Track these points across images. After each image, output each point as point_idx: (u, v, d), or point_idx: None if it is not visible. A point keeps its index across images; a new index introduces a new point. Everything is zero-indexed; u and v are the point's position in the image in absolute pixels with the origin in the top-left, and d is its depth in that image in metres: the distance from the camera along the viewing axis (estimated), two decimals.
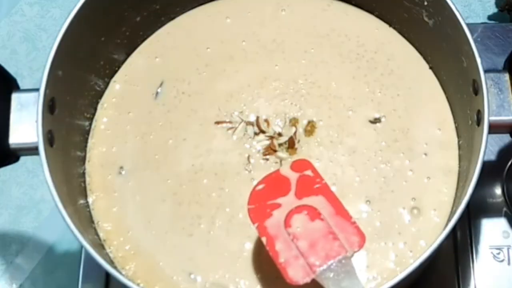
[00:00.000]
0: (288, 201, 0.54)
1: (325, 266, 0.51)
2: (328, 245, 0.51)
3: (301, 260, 0.51)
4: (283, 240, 0.52)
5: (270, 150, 0.64)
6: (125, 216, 0.63)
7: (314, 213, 0.53)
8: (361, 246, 0.52)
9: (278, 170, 0.57)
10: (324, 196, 0.54)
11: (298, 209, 0.54)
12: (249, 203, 0.55)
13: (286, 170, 0.56)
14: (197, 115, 0.67)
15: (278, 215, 0.54)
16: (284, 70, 0.68)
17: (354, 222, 0.53)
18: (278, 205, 0.54)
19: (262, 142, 0.64)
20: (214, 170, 0.64)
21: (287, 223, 0.53)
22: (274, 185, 0.56)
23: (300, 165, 0.57)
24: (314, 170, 0.56)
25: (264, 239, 0.53)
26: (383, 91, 0.67)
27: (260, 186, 0.56)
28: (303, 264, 0.51)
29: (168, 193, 0.64)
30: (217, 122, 0.66)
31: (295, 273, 0.51)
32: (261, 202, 0.55)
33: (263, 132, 0.65)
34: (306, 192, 0.55)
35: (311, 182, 0.55)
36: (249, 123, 0.65)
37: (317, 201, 0.54)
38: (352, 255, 0.52)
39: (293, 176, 0.56)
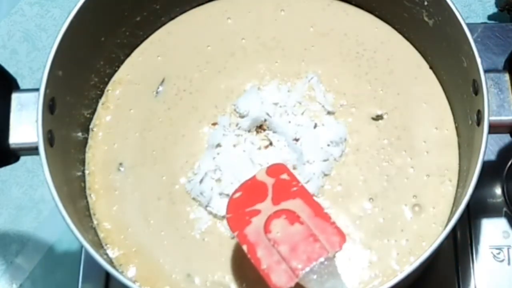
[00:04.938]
0: (266, 207, 0.54)
1: (307, 269, 0.50)
2: (309, 247, 0.51)
3: (283, 265, 0.51)
4: (264, 247, 0.52)
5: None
6: (125, 213, 0.63)
7: (293, 217, 0.53)
8: (341, 246, 0.52)
9: (254, 176, 0.56)
10: (302, 199, 0.54)
11: (276, 214, 0.53)
12: (227, 212, 0.55)
13: (261, 175, 0.56)
14: (197, 112, 0.67)
15: (257, 222, 0.53)
16: (284, 67, 0.68)
17: (334, 223, 0.53)
18: (257, 212, 0.54)
19: (263, 141, 0.64)
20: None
21: (266, 229, 0.53)
22: (251, 191, 0.55)
23: (276, 170, 0.56)
24: (289, 173, 0.56)
25: (245, 247, 0.53)
26: (385, 89, 0.67)
27: (237, 194, 0.55)
28: (286, 269, 0.51)
29: (163, 191, 0.64)
30: (214, 124, 0.66)
31: (279, 278, 0.50)
32: (239, 210, 0.54)
33: (264, 130, 0.65)
34: (283, 196, 0.55)
35: (287, 186, 0.55)
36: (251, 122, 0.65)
37: (295, 204, 0.54)
38: (334, 256, 0.52)
39: (269, 181, 0.55)
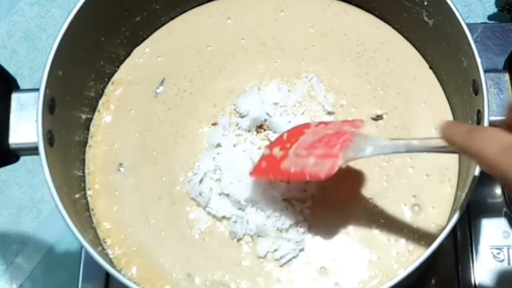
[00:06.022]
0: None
1: (345, 149, 0.54)
2: (339, 139, 0.55)
3: (323, 159, 0.54)
4: (298, 162, 0.56)
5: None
6: (125, 213, 0.63)
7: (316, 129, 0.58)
8: (363, 124, 0.56)
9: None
10: (310, 128, 0.58)
11: (297, 134, 0.59)
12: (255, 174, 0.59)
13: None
14: (197, 112, 0.67)
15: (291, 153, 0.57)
16: (284, 67, 0.68)
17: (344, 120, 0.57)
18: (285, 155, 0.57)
19: (263, 141, 0.64)
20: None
21: (298, 150, 0.57)
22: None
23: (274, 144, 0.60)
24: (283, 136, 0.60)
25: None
26: (385, 89, 0.67)
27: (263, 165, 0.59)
28: (327, 160, 0.54)
29: (163, 191, 0.64)
30: (214, 124, 0.66)
31: (322, 168, 0.54)
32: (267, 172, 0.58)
33: (264, 129, 0.65)
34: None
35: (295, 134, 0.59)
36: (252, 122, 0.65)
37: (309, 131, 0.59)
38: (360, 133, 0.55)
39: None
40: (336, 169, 0.54)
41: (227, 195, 0.61)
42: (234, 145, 0.64)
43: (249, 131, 0.65)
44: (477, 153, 0.43)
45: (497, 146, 0.41)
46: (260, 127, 0.65)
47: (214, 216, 0.62)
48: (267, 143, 0.64)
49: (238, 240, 0.61)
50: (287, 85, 0.67)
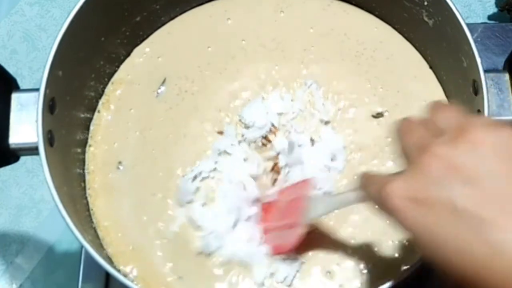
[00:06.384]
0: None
1: (303, 220, 0.57)
2: (296, 203, 0.58)
3: (289, 230, 0.58)
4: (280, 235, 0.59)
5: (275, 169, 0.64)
6: (123, 212, 0.63)
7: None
8: (312, 183, 0.59)
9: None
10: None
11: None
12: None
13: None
14: (198, 112, 0.67)
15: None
16: (284, 66, 0.68)
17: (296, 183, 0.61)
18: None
19: (269, 161, 0.64)
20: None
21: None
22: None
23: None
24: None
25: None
26: (385, 87, 0.67)
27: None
28: (291, 230, 0.58)
29: (161, 191, 0.64)
30: (219, 132, 0.66)
31: (288, 240, 0.58)
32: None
33: (269, 141, 0.64)
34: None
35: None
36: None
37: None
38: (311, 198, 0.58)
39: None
40: (299, 237, 0.57)
41: (212, 208, 0.62)
42: (244, 159, 0.63)
43: (254, 142, 0.64)
44: (371, 200, 0.48)
45: (375, 193, 0.46)
46: (265, 138, 0.65)
47: (190, 220, 0.62)
48: (271, 163, 0.64)
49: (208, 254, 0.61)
50: (290, 94, 0.66)
